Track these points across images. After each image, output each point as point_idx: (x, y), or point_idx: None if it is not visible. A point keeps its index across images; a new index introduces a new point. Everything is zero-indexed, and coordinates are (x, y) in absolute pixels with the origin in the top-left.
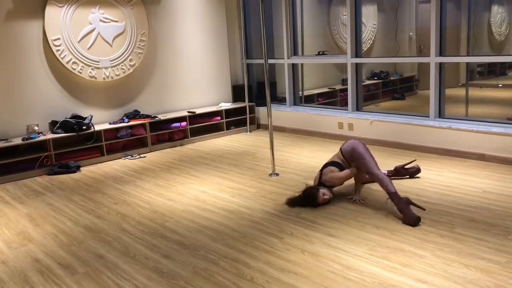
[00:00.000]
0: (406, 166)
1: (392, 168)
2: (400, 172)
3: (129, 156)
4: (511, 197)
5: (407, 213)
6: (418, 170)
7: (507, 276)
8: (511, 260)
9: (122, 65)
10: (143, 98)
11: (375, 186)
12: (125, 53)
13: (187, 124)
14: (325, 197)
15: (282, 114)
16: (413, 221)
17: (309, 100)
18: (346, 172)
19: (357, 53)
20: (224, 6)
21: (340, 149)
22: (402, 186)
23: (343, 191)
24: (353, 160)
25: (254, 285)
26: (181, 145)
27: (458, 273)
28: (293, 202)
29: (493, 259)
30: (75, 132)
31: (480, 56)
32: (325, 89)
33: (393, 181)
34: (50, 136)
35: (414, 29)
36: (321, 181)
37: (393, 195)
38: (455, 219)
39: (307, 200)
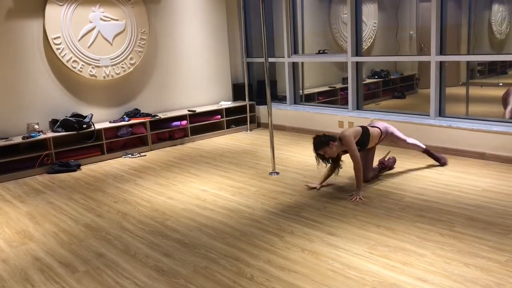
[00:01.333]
0: (386, 159)
1: (377, 163)
2: (383, 165)
3: (130, 155)
4: (511, 195)
5: (441, 157)
6: (394, 160)
7: (507, 275)
8: (511, 259)
9: (122, 64)
10: (143, 96)
11: (376, 186)
12: (126, 52)
13: (187, 122)
14: (326, 155)
15: (283, 112)
16: (446, 160)
17: (310, 98)
18: (358, 156)
19: (357, 51)
20: (224, 4)
21: (377, 127)
22: (402, 185)
23: (343, 190)
24: (384, 139)
25: (254, 284)
26: (181, 143)
27: (458, 271)
28: None
29: (493, 258)
30: (75, 130)
31: (480, 55)
32: (326, 88)
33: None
34: (50, 134)
35: (414, 28)
36: (340, 134)
37: (428, 151)
38: (455, 217)
39: (319, 140)
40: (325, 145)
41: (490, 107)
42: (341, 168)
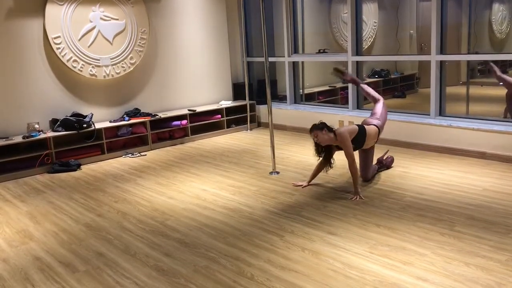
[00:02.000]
0: (384, 158)
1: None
2: (381, 164)
3: (130, 154)
4: (511, 195)
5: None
6: (392, 160)
7: (507, 274)
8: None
9: (122, 63)
10: (143, 96)
11: (377, 185)
12: (126, 51)
13: (187, 122)
14: (316, 139)
15: (283, 112)
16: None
17: (310, 98)
18: (352, 153)
19: (357, 51)
20: (224, 3)
21: (373, 124)
22: (402, 184)
23: (343, 189)
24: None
25: (254, 283)
26: (181, 143)
27: (459, 271)
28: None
29: (494, 257)
30: (75, 130)
31: (481, 54)
32: (326, 87)
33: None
34: (50, 134)
35: (414, 27)
36: (336, 129)
37: None
38: (456, 217)
39: (316, 124)
40: (318, 129)
41: (490, 107)
42: (332, 167)
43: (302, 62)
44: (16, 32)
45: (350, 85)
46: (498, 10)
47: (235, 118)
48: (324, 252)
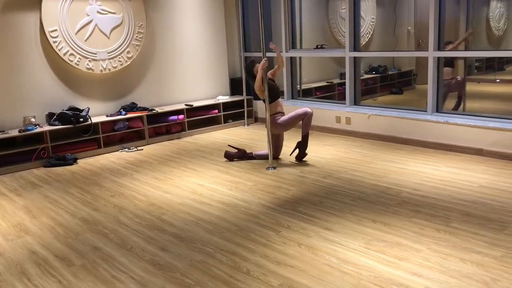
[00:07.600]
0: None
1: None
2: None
3: (126, 149)
4: (507, 191)
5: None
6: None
7: (502, 270)
8: (507, 254)
9: (119, 57)
10: (140, 90)
11: (373, 181)
12: (123, 45)
13: (184, 117)
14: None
15: None
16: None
17: (307, 93)
18: (258, 86)
19: (355, 47)
20: None
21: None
22: (399, 180)
23: (340, 186)
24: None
25: (250, 278)
26: (178, 138)
27: (454, 267)
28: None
29: (489, 253)
30: (72, 124)
31: (478, 51)
32: (323, 83)
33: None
34: (47, 128)
35: (412, 24)
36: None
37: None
38: (451, 213)
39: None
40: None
41: (487, 103)
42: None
43: (300, 58)
44: (13, 25)
45: (348, 82)
46: (495, 7)
47: (232, 113)
48: (320, 247)
